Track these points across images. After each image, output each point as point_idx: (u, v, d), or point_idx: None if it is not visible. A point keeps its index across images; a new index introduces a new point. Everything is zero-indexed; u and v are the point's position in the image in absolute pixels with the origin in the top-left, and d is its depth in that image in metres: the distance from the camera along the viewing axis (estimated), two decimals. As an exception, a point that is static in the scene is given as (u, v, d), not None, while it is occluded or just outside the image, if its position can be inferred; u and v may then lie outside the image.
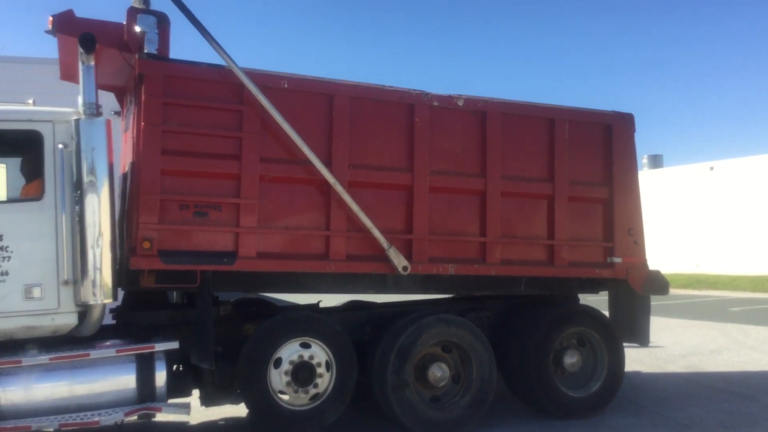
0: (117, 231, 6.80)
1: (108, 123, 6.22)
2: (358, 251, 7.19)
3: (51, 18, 6.55)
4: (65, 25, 6.57)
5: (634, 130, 8.67)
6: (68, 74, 7.45)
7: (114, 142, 6.39)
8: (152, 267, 6.40)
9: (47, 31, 6.65)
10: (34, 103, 6.84)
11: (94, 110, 6.16)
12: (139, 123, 6.50)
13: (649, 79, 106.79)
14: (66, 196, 6.09)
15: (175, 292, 8.37)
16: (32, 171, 6.41)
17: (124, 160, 7.78)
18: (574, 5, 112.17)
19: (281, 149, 6.88)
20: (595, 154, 8.46)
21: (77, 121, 6.13)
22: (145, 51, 6.45)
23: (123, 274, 6.71)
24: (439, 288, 8.01)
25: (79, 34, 6.16)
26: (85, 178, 6.06)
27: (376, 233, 7.08)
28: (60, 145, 6.12)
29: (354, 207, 6.98)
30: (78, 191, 6.07)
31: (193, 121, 6.61)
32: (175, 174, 6.51)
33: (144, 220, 6.33)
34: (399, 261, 7.19)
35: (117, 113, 13.41)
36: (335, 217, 7.06)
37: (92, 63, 6.21)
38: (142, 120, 6.41)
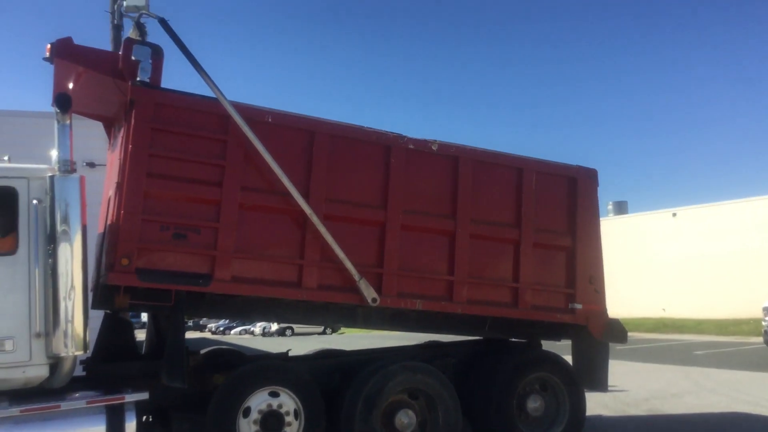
0: (96, 253, 6.94)
1: (82, 180, 6.37)
2: (330, 281, 7.37)
3: (49, 45, 6.84)
4: (64, 50, 6.87)
5: (597, 184, 9.07)
6: None
7: (87, 197, 6.55)
8: (128, 283, 6.52)
9: (45, 59, 6.95)
10: (10, 160, 6.99)
11: (68, 167, 6.34)
12: (127, 145, 6.70)
13: (615, 128, 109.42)
14: (39, 251, 6.21)
15: (144, 344, 8.46)
16: (6, 226, 6.47)
17: (108, 181, 7.94)
18: (542, 59, 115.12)
19: (262, 179, 7.11)
20: (560, 205, 8.82)
21: (52, 177, 6.30)
22: (138, 79, 6.73)
23: (98, 292, 6.84)
24: (407, 325, 8.19)
25: (56, 95, 6.41)
26: (59, 234, 6.20)
27: (348, 265, 7.28)
28: (34, 201, 6.27)
29: (328, 238, 7.20)
30: (51, 246, 6.21)
31: (179, 148, 6.84)
32: (158, 196, 6.70)
33: (124, 238, 6.49)
34: (369, 293, 7.38)
35: (89, 165, 13.60)
36: (310, 248, 7.25)
37: (68, 122, 6.41)
38: (130, 143, 6.63)
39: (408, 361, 7.89)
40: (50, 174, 6.36)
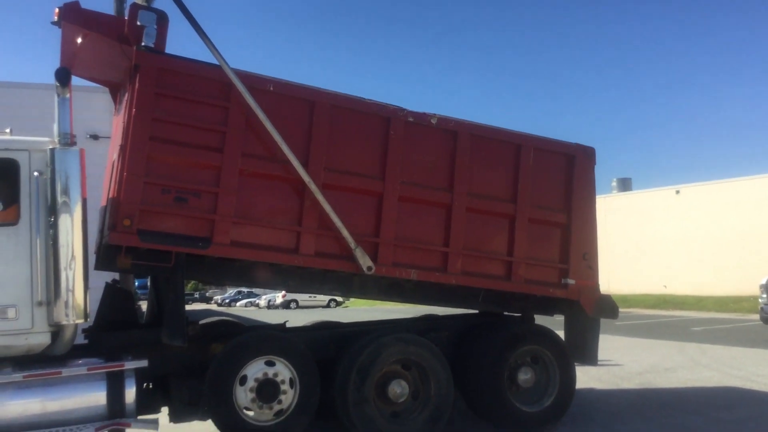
0: (100, 217, 7.20)
1: (81, 152, 6.51)
2: (326, 249, 7.52)
3: (57, 9, 6.97)
4: (72, 14, 6.98)
5: (594, 163, 9.15)
6: (69, 65, 7.69)
7: (92, 168, 6.69)
8: (130, 244, 6.68)
9: (53, 23, 7.09)
10: (11, 133, 7.13)
11: (68, 140, 6.46)
12: (130, 109, 6.83)
13: (620, 106, 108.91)
14: (41, 221, 6.37)
15: (145, 314, 8.66)
16: (8, 197, 6.63)
17: (113, 145, 8.07)
18: (546, 34, 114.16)
19: (262, 147, 7.24)
20: (557, 182, 8.91)
21: (52, 150, 6.43)
22: (143, 44, 6.85)
23: (101, 253, 7.02)
24: (402, 296, 8.36)
25: (55, 70, 6.50)
26: (59, 205, 6.35)
27: (345, 233, 7.42)
28: (36, 173, 6.41)
29: (326, 207, 7.33)
30: (52, 216, 6.36)
31: (181, 113, 6.97)
32: (160, 160, 6.85)
33: (127, 199, 6.65)
34: (364, 261, 7.52)
35: (93, 137, 13.75)
36: (307, 215, 7.40)
37: (67, 95, 6.52)
38: (134, 107, 6.77)
39: (402, 333, 8.06)
40: (51, 146, 6.48)
